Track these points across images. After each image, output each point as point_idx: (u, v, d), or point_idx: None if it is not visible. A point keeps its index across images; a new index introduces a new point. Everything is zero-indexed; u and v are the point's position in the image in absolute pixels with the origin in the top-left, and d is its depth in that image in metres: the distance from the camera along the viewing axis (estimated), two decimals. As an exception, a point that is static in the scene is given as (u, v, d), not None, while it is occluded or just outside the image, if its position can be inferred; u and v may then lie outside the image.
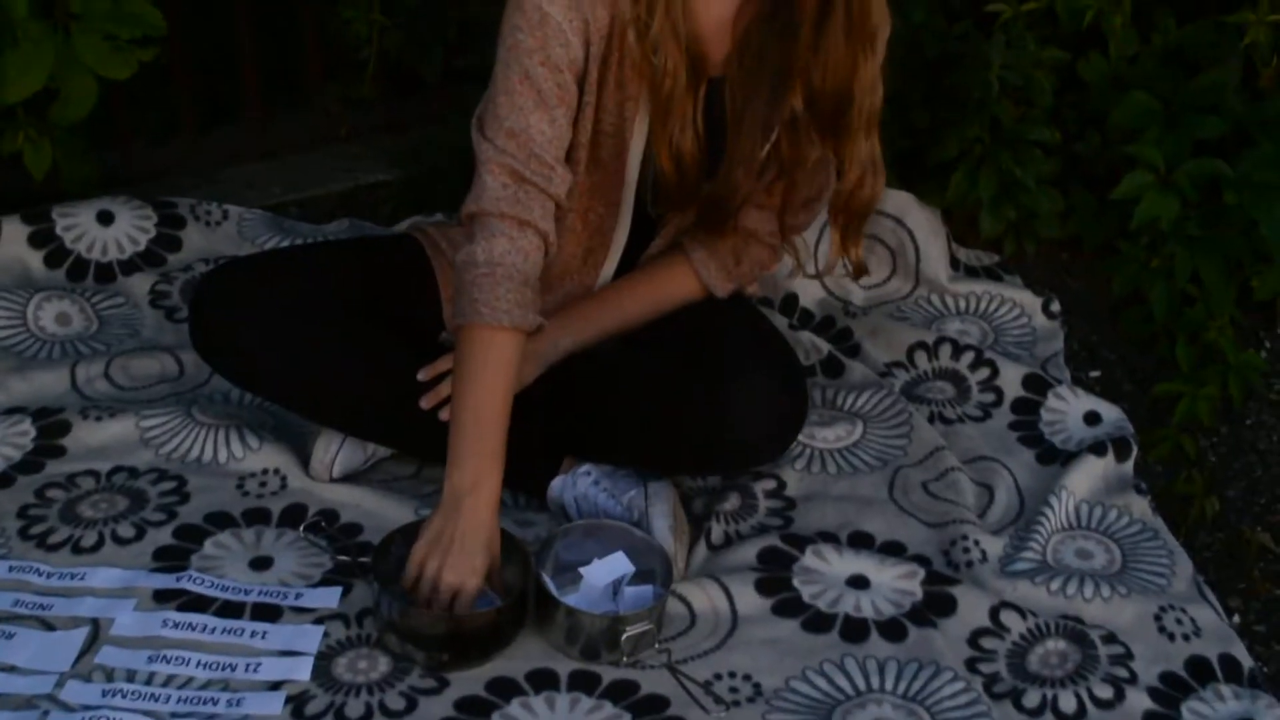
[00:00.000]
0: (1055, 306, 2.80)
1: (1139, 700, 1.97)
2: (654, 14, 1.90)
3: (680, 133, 1.96)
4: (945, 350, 2.62)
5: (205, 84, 3.21)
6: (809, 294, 2.78)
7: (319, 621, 1.99)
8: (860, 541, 2.21)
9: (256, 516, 2.16)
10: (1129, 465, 2.37)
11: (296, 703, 1.87)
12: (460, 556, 1.88)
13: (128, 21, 2.57)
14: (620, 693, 1.92)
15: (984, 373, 2.57)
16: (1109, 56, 2.85)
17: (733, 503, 2.23)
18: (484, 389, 1.90)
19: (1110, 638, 2.06)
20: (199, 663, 1.91)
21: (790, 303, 2.77)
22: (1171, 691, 1.99)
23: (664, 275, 2.20)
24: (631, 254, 2.21)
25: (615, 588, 1.99)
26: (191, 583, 2.03)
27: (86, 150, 2.79)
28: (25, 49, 2.49)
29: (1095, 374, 2.72)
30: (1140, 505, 2.31)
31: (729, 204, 2.07)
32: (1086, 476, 2.33)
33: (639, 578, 2.01)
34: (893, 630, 2.05)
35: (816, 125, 1.98)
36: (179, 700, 1.86)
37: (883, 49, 2.01)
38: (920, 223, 2.83)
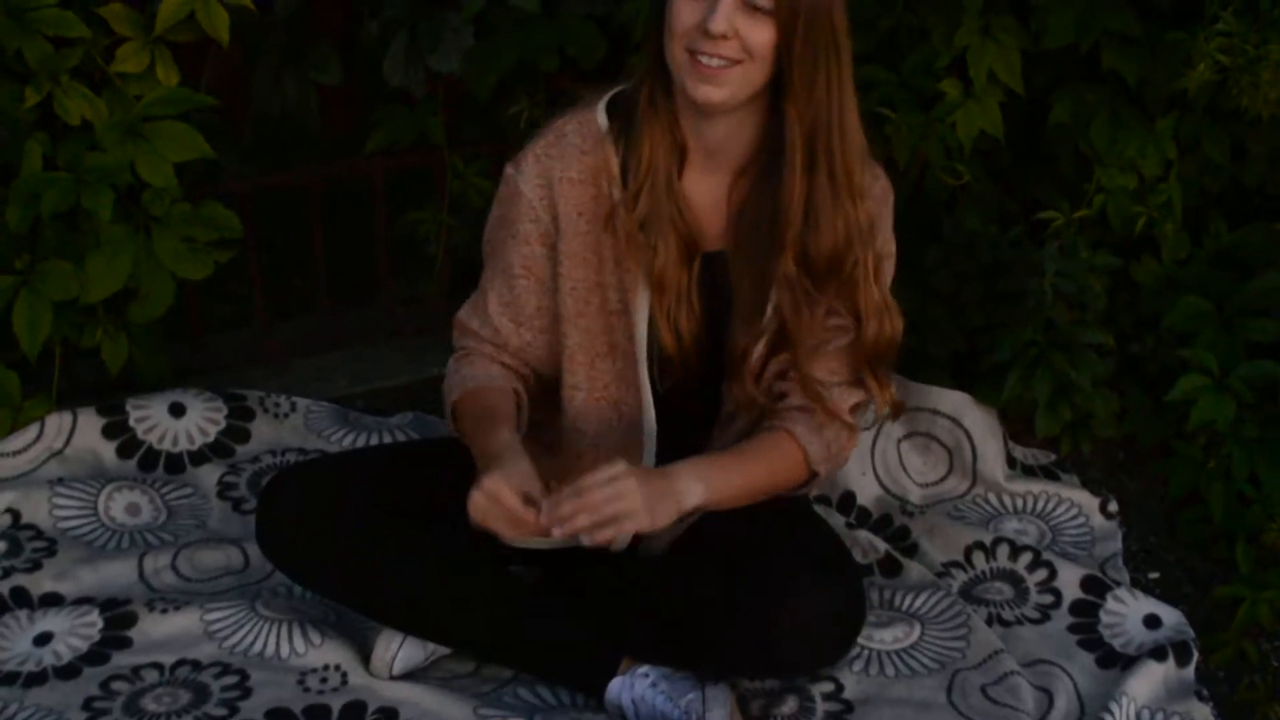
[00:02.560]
0: (1113, 507, 2.78)
1: None
2: (642, 196, 1.94)
3: (677, 307, 1.98)
4: (1003, 550, 2.60)
5: (276, 278, 3.29)
6: (866, 492, 2.78)
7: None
8: (919, 746, 2.18)
9: (317, 713, 2.16)
10: (1190, 670, 2.34)
11: None
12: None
13: (205, 224, 2.64)
14: None
15: (1042, 574, 2.55)
16: (1161, 260, 2.87)
17: (790, 706, 2.21)
18: (487, 430, 1.99)
19: None
20: None
21: (848, 501, 2.76)
22: None
23: (770, 448, 2.09)
24: (668, 449, 2.15)
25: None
26: (251, 779, 2.03)
27: (161, 344, 2.85)
28: (107, 251, 2.56)
29: (1154, 575, 2.68)
30: (1203, 712, 2.28)
31: (740, 371, 2.07)
32: (1147, 682, 2.30)
33: (697, 782, 1.99)
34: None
35: (815, 284, 1.98)
36: None
37: (882, 206, 2.04)
38: (977, 422, 2.83)
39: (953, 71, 2.76)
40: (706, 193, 2.00)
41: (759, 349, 2.02)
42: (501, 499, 1.82)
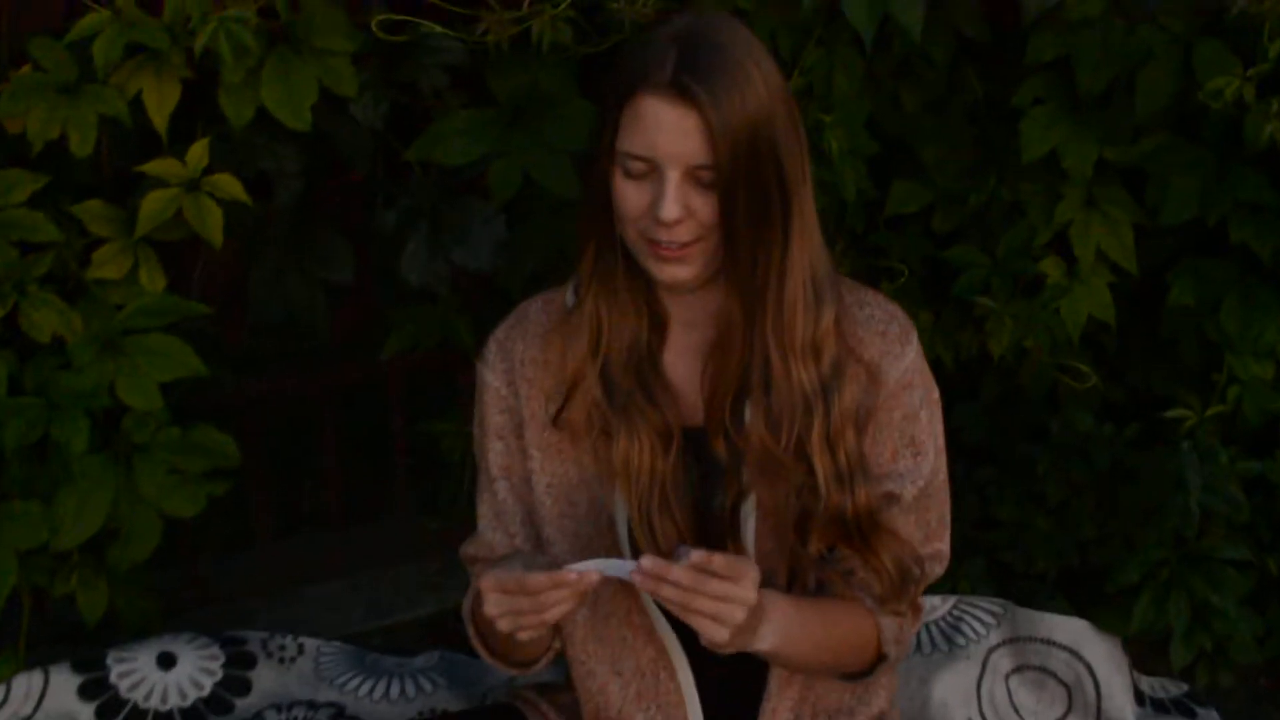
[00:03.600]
0: (1262, 747, 2.43)
1: None
2: (612, 378, 1.73)
3: (651, 501, 1.73)
4: (1142, 807, 2.27)
5: (281, 493, 3.06)
6: (975, 740, 2.45)
7: None
8: None
9: None
10: None
11: None
12: None
13: (197, 452, 2.36)
14: None
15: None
16: None
17: None
18: None
19: None
20: None
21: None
22: None
23: (848, 613, 1.78)
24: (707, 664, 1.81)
25: None
26: None
27: (147, 583, 2.55)
28: (82, 487, 2.27)
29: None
30: None
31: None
32: None
33: None
34: None
35: (778, 446, 1.70)
36: None
37: (902, 346, 1.75)
38: (1100, 655, 2.49)
39: (1053, 249, 2.45)
40: (688, 365, 1.78)
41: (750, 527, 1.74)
42: (505, 581, 1.55)
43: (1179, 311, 2.49)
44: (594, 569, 1.53)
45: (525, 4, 2.19)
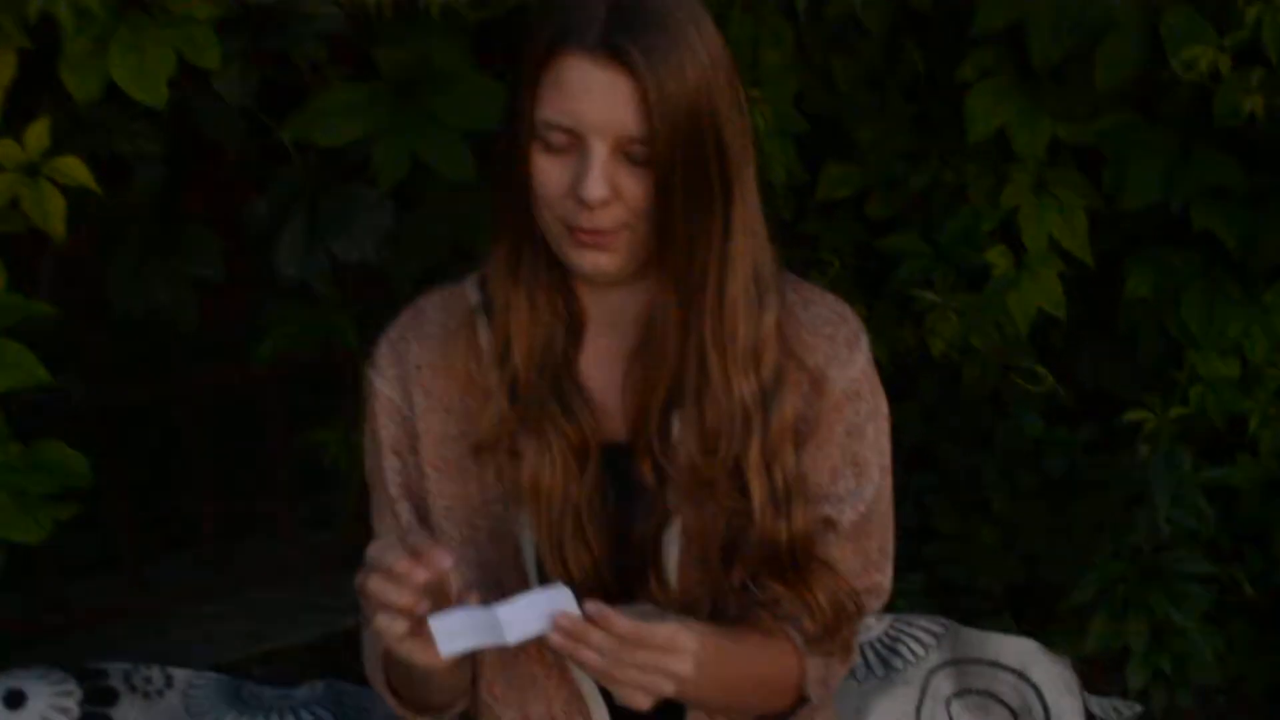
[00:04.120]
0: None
1: None
2: (521, 385, 1.55)
3: (562, 527, 1.57)
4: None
5: (148, 508, 2.90)
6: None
7: None
8: None
9: None
10: None
11: None
12: None
13: (41, 473, 2.15)
14: None
15: None
16: (1259, 458, 2.37)
17: None
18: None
19: None
20: None
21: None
22: None
23: (768, 644, 1.61)
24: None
25: None
26: None
27: None
28: None
29: None
30: None
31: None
32: None
33: None
34: None
35: (711, 466, 1.54)
36: None
37: (851, 352, 1.58)
38: (1049, 677, 2.33)
39: (997, 237, 2.29)
40: (607, 373, 1.62)
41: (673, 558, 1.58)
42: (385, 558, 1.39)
43: (1136, 305, 2.34)
44: (513, 612, 1.38)
45: (413, -36, 1.98)
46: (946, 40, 2.29)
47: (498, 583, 1.59)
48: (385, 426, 1.62)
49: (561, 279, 1.55)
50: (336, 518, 2.76)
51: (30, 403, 2.23)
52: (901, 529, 2.54)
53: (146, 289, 2.35)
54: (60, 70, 1.99)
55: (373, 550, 1.38)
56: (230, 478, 2.90)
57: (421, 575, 1.34)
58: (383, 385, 1.62)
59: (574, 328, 1.58)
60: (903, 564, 2.51)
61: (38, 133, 2.00)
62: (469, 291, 1.62)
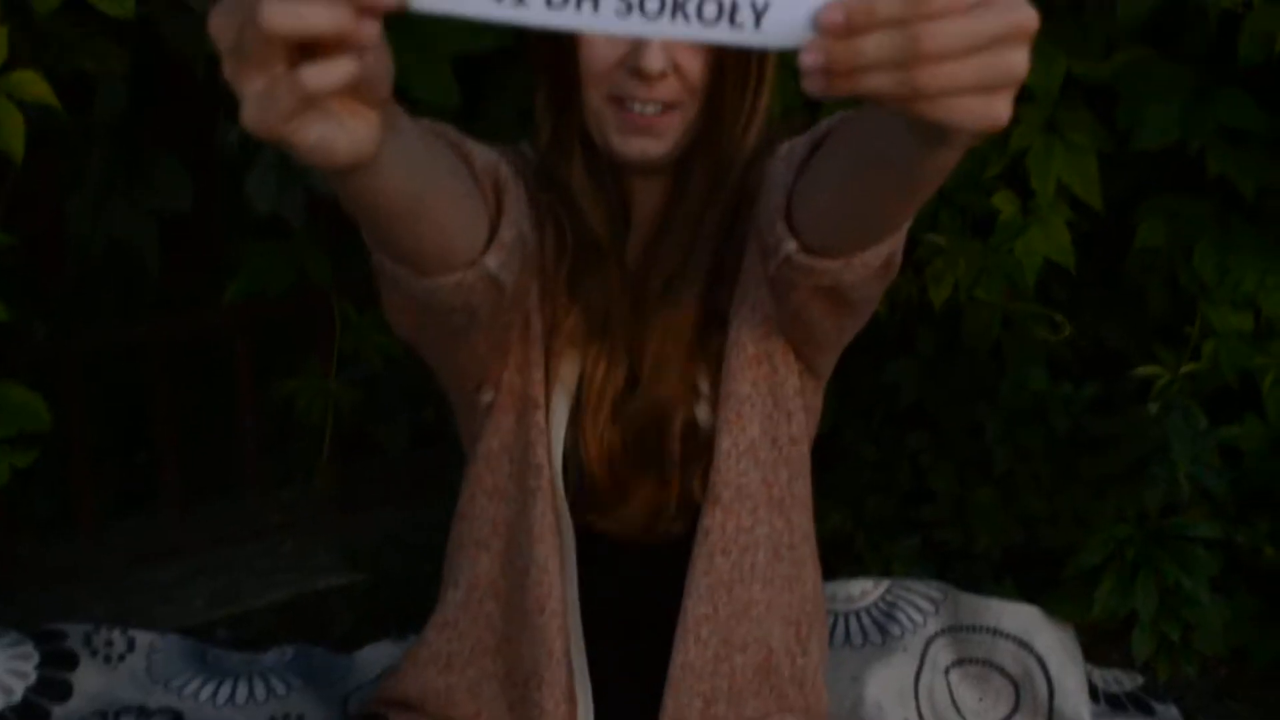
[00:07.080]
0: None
1: None
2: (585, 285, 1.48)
3: (597, 418, 1.48)
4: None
5: (108, 464, 2.85)
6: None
7: None
8: None
9: None
10: None
11: None
12: None
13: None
14: None
15: None
16: (1267, 419, 2.28)
17: None
18: None
19: None
20: None
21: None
22: None
23: None
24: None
25: None
26: None
27: None
28: None
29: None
30: None
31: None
32: None
33: None
34: None
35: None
36: None
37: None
38: (1052, 646, 2.25)
39: (1005, 181, 2.18)
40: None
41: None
42: None
43: (1144, 255, 2.23)
44: None
45: None
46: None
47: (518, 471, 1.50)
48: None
49: (614, 176, 1.48)
50: (306, 474, 2.71)
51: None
52: (895, 489, 2.48)
53: (108, 223, 2.27)
54: (19, -25, 1.86)
55: None
56: (196, 431, 2.81)
57: None
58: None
59: (625, 215, 1.50)
60: (898, 527, 2.45)
61: (-6, 45, 1.87)
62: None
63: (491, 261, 1.21)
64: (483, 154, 1.29)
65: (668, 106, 1.39)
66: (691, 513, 1.49)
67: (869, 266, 1.24)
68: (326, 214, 2.33)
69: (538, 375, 1.46)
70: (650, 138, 1.40)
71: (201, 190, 2.33)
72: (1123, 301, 2.32)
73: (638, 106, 1.38)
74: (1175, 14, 2.02)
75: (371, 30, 0.77)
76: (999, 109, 0.79)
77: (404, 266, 1.18)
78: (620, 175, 1.47)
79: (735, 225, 1.46)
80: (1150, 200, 2.21)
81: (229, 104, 1.87)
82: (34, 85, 1.86)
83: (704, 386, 1.48)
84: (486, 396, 1.48)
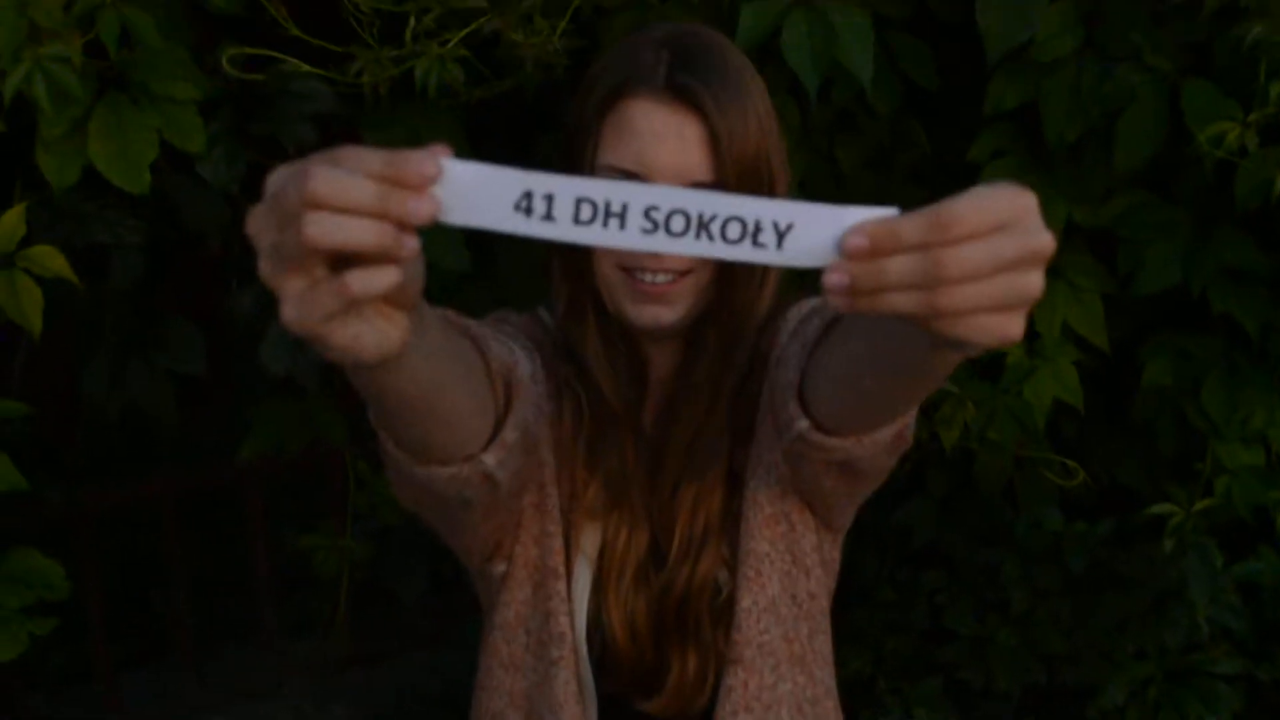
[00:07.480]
0: None
1: None
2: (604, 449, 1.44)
3: (620, 585, 1.44)
4: None
5: (123, 617, 2.75)
6: None
7: None
8: None
9: None
10: None
11: None
12: None
13: (18, 583, 2.00)
14: None
15: None
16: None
17: None
18: None
19: None
20: None
21: None
22: None
23: None
24: None
25: None
26: None
27: None
28: None
29: None
30: None
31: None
32: None
33: None
34: None
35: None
36: None
37: None
38: None
39: None
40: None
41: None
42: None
43: (1152, 393, 2.20)
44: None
45: (407, 40, 1.84)
46: (954, 121, 2.17)
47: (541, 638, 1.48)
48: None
49: (623, 331, 1.46)
50: (321, 623, 2.62)
51: (3, 506, 2.11)
52: (914, 628, 2.44)
53: (124, 386, 2.22)
54: (37, 154, 1.86)
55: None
56: (211, 585, 2.74)
57: (430, 168, 0.84)
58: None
59: (641, 379, 1.48)
60: (918, 668, 2.40)
61: (12, 222, 1.84)
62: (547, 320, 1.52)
63: (490, 459, 1.19)
64: (499, 351, 1.27)
65: (679, 274, 1.37)
66: (716, 675, 1.47)
67: (879, 444, 1.23)
68: (341, 375, 2.28)
69: (556, 545, 1.44)
70: (662, 305, 1.39)
71: (215, 349, 2.28)
72: (1133, 438, 2.28)
73: (649, 276, 1.37)
74: (1172, 158, 2.01)
75: (412, 244, 0.80)
76: (1014, 327, 0.82)
77: (404, 452, 1.17)
78: (635, 340, 1.45)
79: (748, 385, 1.46)
80: (1156, 339, 2.19)
81: (242, 270, 1.85)
82: (51, 259, 1.85)
83: (723, 548, 1.47)
84: (499, 568, 1.45)
